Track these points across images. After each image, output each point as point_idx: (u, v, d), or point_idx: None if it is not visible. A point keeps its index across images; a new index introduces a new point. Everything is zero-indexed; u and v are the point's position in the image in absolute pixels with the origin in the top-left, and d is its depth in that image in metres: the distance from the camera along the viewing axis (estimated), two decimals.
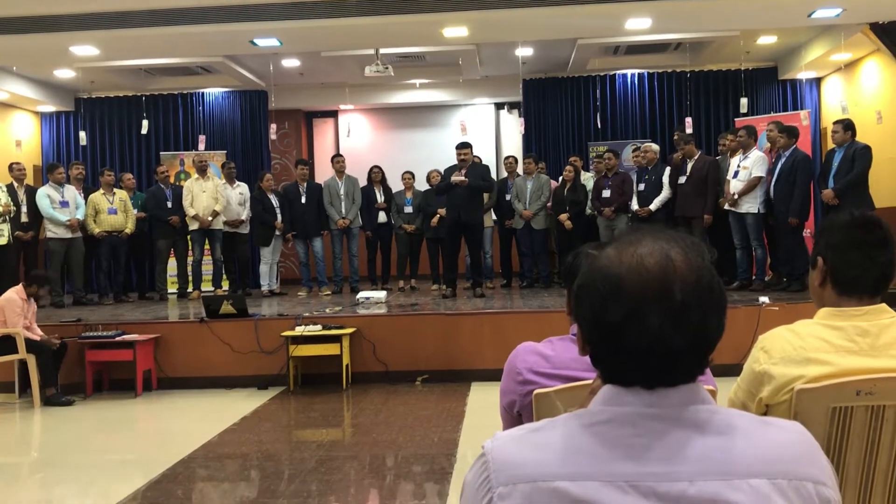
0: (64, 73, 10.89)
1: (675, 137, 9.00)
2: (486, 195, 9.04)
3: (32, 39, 7.94)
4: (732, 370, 2.04)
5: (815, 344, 1.86)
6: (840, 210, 7.33)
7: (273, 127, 11.17)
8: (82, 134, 11.04)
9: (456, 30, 8.29)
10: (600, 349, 1.05)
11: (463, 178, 8.26)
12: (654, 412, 1.01)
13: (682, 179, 8.54)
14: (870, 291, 1.87)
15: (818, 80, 11.53)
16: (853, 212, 1.95)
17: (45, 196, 9.09)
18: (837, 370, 1.83)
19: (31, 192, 9.25)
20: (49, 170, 9.43)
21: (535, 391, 1.89)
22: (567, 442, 1.01)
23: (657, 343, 0.99)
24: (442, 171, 8.92)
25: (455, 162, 8.46)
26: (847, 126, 7.73)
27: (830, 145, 8.04)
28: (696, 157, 8.59)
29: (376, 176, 10.10)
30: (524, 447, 1.02)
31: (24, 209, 9.13)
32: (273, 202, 9.89)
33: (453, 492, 4.06)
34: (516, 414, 1.96)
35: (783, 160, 7.99)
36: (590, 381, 1.48)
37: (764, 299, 6.97)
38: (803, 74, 11.13)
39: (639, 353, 1.00)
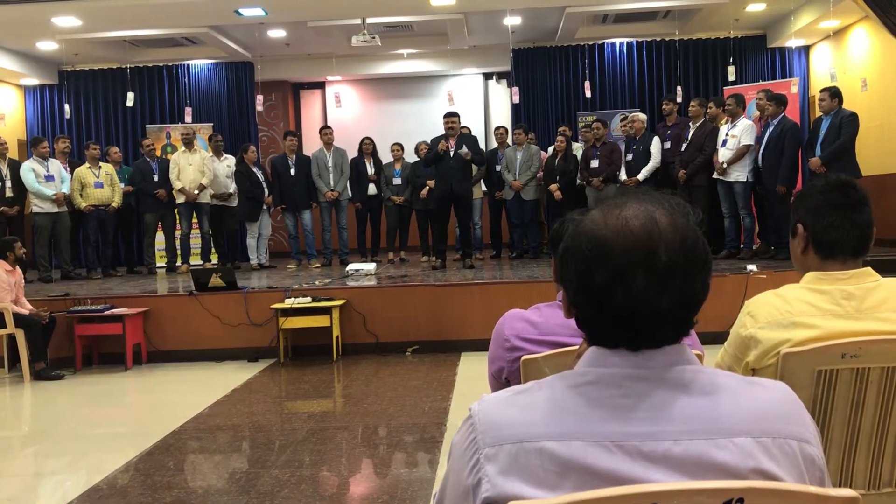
0: (47, 46, 10.74)
1: (695, 103, 8.83)
2: (475, 167, 9.02)
3: (13, 10, 7.82)
4: (720, 338, 2.06)
5: (801, 308, 1.88)
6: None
7: (260, 98, 11.08)
8: (66, 107, 10.93)
9: None
10: (586, 311, 1.05)
11: (465, 150, 8.23)
12: (640, 373, 1.01)
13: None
14: (852, 253, 1.89)
15: (807, 48, 11.51)
16: (829, 176, 1.97)
17: (30, 170, 9.01)
18: (823, 333, 1.85)
19: (14, 167, 9.16)
20: (33, 144, 9.34)
21: (523, 357, 1.90)
22: (553, 403, 1.02)
23: (642, 304, 0.99)
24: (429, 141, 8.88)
25: (442, 132, 8.42)
26: (834, 94, 7.73)
27: (818, 113, 8.04)
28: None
29: (367, 147, 10.03)
30: (510, 408, 1.03)
31: (7, 184, 9.04)
32: (258, 176, 9.82)
33: (444, 460, 4.09)
34: (504, 380, 1.97)
35: (771, 128, 7.99)
36: (576, 347, 1.49)
37: (752, 267, 7.01)
38: (792, 42, 11.10)
39: (624, 315, 1.00)
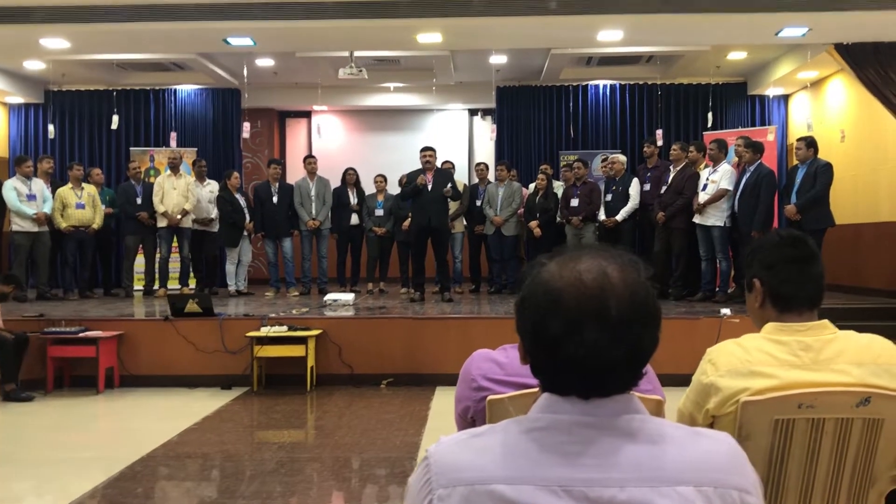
0: (34, 65, 10.75)
1: (677, 147, 8.99)
2: (454, 202, 9.10)
3: (1, 30, 7.84)
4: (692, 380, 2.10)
5: (760, 357, 1.92)
6: (801, 225, 7.51)
7: (246, 126, 11.13)
8: (51, 127, 10.92)
9: (430, 36, 8.34)
10: (539, 360, 1.09)
11: (449, 188, 8.31)
12: (589, 420, 1.05)
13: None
14: (808, 305, 1.95)
15: (786, 97, 11.75)
16: (780, 231, 2.05)
17: (12, 189, 8.99)
18: (781, 383, 1.89)
19: None
20: (17, 162, 9.32)
21: (489, 397, 1.94)
22: (506, 447, 1.05)
23: (593, 355, 1.04)
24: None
25: (420, 165, 8.52)
26: (810, 143, 7.90)
27: (795, 161, 8.21)
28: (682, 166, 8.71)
29: (350, 178, 10.11)
30: (465, 451, 1.07)
31: None
32: (241, 202, 9.86)
33: None
34: (470, 420, 2.00)
35: (748, 175, 8.14)
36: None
37: (726, 311, 7.09)
38: (771, 91, 11.33)
39: (575, 365, 1.05)
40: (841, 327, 2.00)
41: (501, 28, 7.98)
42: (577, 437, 1.04)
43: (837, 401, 1.88)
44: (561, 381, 1.08)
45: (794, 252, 1.96)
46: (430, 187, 8.37)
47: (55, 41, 8.47)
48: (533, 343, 1.09)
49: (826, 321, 1.96)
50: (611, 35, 8.38)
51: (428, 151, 8.47)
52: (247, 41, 8.49)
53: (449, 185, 8.38)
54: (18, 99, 11.85)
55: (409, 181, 8.59)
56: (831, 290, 9.28)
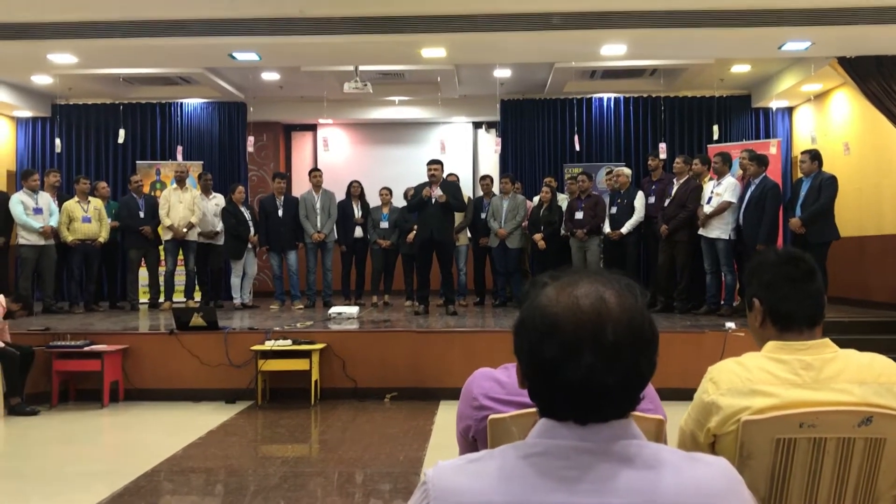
0: (41, 79, 10.84)
1: (680, 160, 9.00)
2: (459, 214, 9.12)
3: (10, 46, 7.90)
4: None
5: (761, 376, 1.93)
6: (806, 238, 7.51)
7: (251, 140, 11.18)
8: (58, 141, 10.98)
9: (434, 50, 8.38)
10: (536, 384, 1.10)
11: (440, 193, 8.32)
12: (586, 446, 1.06)
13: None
14: (808, 323, 1.95)
15: (790, 110, 11.76)
16: (777, 250, 2.05)
17: (19, 202, 9.04)
18: (782, 402, 1.89)
19: (2, 199, 9.19)
20: (24, 176, 9.38)
21: (490, 416, 1.94)
22: (503, 472, 1.06)
23: (589, 380, 1.05)
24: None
25: (426, 178, 8.54)
26: (814, 156, 7.90)
27: (800, 174, 8.21)
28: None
29: (355, 190, 10.15)
30: (463, 476, 1.07)
31: None
32: (245, 215, 9.90)
33: None
34: (472, 439, 2.00)
35: (752, 187, 8.14)
36: None
37: (730, 325, 7.08)
38: (775, 103, 11.34)
39: (572, 390, 1.06)
40: (846, 340, 2.00)
41: (505, 43, 8.02)
42: (574, 463, 1.05)
43: (839, 420, 1.88)
44: (558, 406, 1.08)
45: (792, 270, 1.96)
46: (433, 200, 8.39)
47: (63, 56, 8.53)
48: (530, 367, 1.10)
49: (827, 340, 1.97)
50: (614, 49, 8.41)
51: (434, 165, 8.50)
52: (252, 56, 8.54)
53: (438, 190, 8.36)
54: (26, 113, 11.92)
55: (415, 193, 8.63)
56: (836, 303, 9.26)
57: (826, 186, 7.74)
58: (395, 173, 12.02)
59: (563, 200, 9.99)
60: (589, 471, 1.04)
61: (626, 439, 1.07)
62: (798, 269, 1.96)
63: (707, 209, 8.34)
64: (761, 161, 8.27)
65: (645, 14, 7.41)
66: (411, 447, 5.41)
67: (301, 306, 9.70)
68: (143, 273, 10.17)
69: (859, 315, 8.33)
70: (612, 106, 12.00)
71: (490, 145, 13.05)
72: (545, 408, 1.11)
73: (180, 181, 9.89)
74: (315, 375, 6.80)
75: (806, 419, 1.88)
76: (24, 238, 9.06)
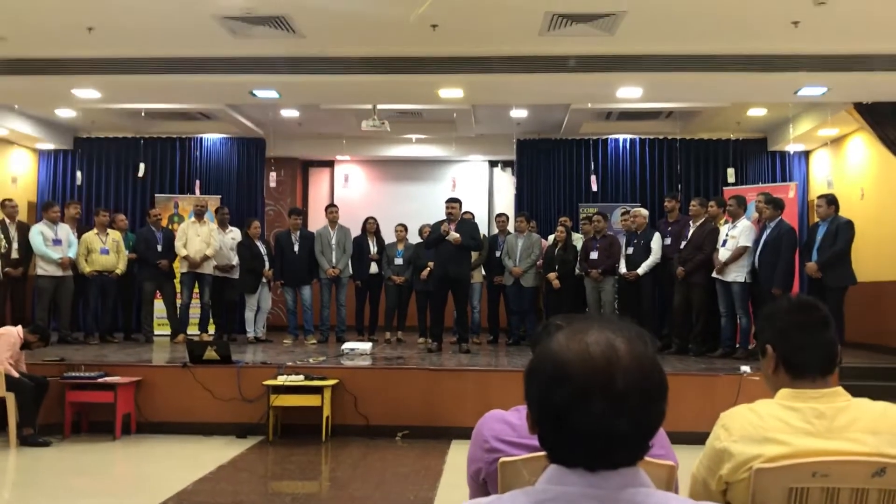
0: (65, 113, 11.03)
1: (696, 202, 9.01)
2: (474, 252, 9.15)
3: (36, 81, 8.08)
4: None
5: (773, 424, 1.91)
6: (823, 282, 7.47)
7: (272, 175, 11.29)
8: (78, 174, 11.14)
9: (451, 91, 8.48)
10: (546, 430, 1.11)
11: (457, 235, 8.35)
12: (595, 493, 1.07)
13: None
14: (820, 372, 1.94)
15: (806, 154, 11.76)
16: (791, 297, 2.05)
17: (39, 233, 9.15)
18: (794, 451, 1.88)
19: (22, 229, 9.31)
20: (44, 208, 9.52)
21: (501, 459, 1.93)
22: None
23: (599, 427, 1.05)
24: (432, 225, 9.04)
25: (444, 216, 8.59)
26: (830, 201, 7.89)
27: (816, 218, 8.19)
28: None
29: (371, 226, 10.23)
30: None
31: (14, 245, 9.17)
32: (261, 249, 9.97)
33: None
34: (482, 482, 2.00)
35: (768, 231, 8.13)
36: None
37: (745, 368, 7.01)
38: (792, 147, 11.35)
39: (582, 437, 1.06)
40: (862, 386, 1.99)
41: (521, 85, 8.11)
42: None
43: (852, 470, 1.87)
44: (567, 453, 1.09)
45: (805, 319, 1.96)
46: (450, 237, 8.42)
47: (87, 91, 8.70)
48: (540, 413, 1.11)
49: (839, 388, 1.96)
50: (630, 92, 8.48)
51: (452, 203, 8.56)
52: (272, 94, 8.68)
53: (452, 231, 8.38)
54: (49, 145, 12.11)
55: (433, 230, 8.67)
56: (853, 349, 9.15)
57: (843, 231, 7.72)
58: (410, 210, 12.09)
59: (577, 240, 10.00)
60: None
61: (634, 487, 1.08)
62: (811, 318, 1.96)
63: (722, 252, 8.32)
64: (777, 204, 8.26)
65: (660, 58, 7.48)
66: (422, 486, 5.36)
67: (314, 341, 9.71)
68: (158, 305, 10.23)
69: (876, 361, 8.24)
70: (628, 147, 12.06)
71: (505, 183, 13.12)
72: (555, 454, 1.11)
73: (199, 215, 10.00)
74: (327, 411, 6.78)
75: (819, 468, 1.86)
76: (43, 269, 9.16)
